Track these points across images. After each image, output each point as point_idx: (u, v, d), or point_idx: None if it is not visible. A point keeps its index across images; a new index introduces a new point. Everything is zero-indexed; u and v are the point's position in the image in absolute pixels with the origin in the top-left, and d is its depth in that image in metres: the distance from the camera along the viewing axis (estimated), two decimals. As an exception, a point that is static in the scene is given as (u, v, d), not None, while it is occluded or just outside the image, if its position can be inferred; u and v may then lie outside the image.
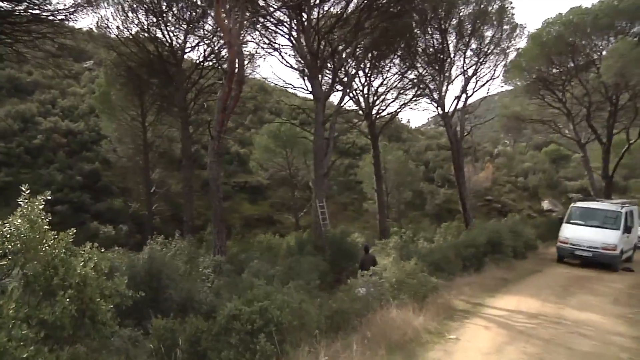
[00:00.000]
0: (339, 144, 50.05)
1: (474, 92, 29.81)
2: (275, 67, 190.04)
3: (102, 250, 11.95)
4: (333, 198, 43.93)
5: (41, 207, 4.88)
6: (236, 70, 17.28)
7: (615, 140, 32.96)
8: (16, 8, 22.67)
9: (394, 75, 31.06)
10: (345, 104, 27.61)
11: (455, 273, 14.84)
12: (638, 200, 25.25)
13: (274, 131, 36.59)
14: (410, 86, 31.83)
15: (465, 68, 29.15)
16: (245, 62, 28.45)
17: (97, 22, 27.28)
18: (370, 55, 29.20)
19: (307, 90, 24.22)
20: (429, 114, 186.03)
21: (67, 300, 4.56)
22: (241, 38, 19.72)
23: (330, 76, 25.06)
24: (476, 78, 29.44)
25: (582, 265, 18.82)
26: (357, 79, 30.77)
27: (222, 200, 18.41)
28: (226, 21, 17.47)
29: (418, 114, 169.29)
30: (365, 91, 31.89)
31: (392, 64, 30.71)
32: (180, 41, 27.92)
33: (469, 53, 29.16)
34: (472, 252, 16.25)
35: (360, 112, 32.57)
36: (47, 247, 4.79)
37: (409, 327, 8.50)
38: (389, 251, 23.81)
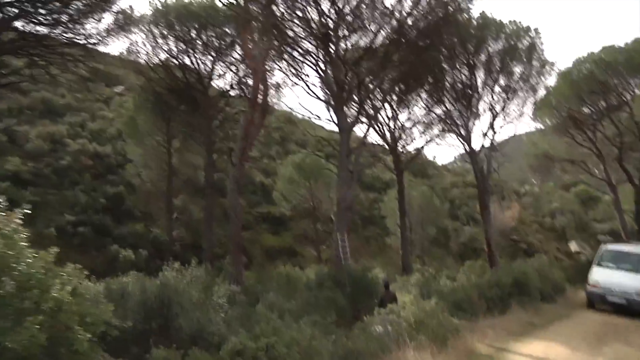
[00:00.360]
0: (364, 178, 49.59)
1: (501, 129, 29.17)
2: (302, 97, 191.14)
3: (118, 274, 11.53)
4: (356, 232, 43.17)
5: (19, 222, 4.36)
6: (260, 97, 17.00)
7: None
8: (52, 31, 22.96)
9: (421, 109, 30.69)
10: (369, 136, 27.08)
11: (479, 314, 14.03)
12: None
13: (299, 162, 36.23)
14: (436, 121, 31.38)
15: (493, 104, 28.57)
16: (271, 91, 28.54)
17: (128, 48, 27.52)
18: (397, 88, 28.87)
19: (333, 121, 23.84)
20: (455, 152, 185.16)
21: (37, 327, 4.01)
22: (267, 66, 19.51)
23: (356, 108, 24.62)
24: (504, 115, 28.82)
25: (616, 312, 17.70)
26: (383, 113, 30.45)
27: (241, 229, 17.91)
28: (252, 48, 17.26)
29: (444, 151, 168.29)
30: (391, 125, 31.50)
31: (419, 98, 30.31)
32: (208, 69, 28.00)
33: (497, 89, 28.62)
34: (497, 293, 15.41)
35: (386, 146, 32.03)
36: (24, 266, 4.26)
37: (427, 372, 7.78)
38: (409, 288, 23.11)
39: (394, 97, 30.22)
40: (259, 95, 16.71)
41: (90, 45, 24.20)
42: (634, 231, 32.01)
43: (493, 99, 28.57)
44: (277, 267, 29.80)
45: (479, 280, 18.04)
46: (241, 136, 17.32)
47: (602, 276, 18.28)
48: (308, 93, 24.12)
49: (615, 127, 30.07)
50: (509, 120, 29.06)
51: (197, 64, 27.37)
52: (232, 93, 28.88)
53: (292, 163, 37.00)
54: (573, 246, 47.48)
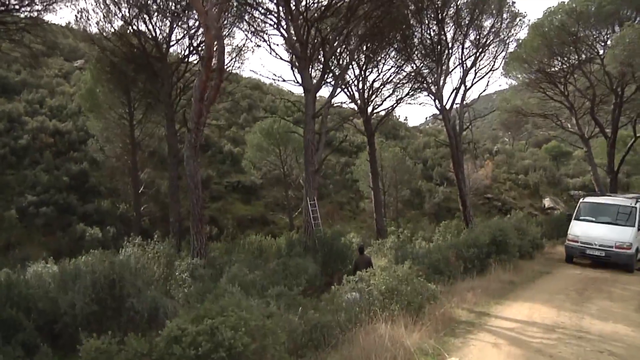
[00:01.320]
0: (335, 141, 48.38)
1: (472, 85, 28.10)
2: (266, 60, 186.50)
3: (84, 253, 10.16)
4: (329, 197, 42.21)
5: None
6: (214, 57, 15.55)
7: (619, 135, 31.26)
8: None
9: (390, 68, 29.43)
10: (337, 95, 25.84)
11: (457, 276, 13.08)
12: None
13: (267, 129, 34.80)
14: (406, 80, 30.22)
15: (463, 59, 27.42)
16: (232, 52, 26.98)
17: (77, 16, 25.62)
18: (364, 47, 27.55)
19: (298, 82, 22.53)
20: (427, 114, 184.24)
21: None
22: (221, 22, 17.99)
23: (321, 68, 23.26)
24: (475, 70, 27.73)
25: (594, 265, 17.02)
26: (351, 73, 29.18)
27: (202, 199, 16.64)
28: (204, 3, 15.72)
29: (416, 113, 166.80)
30: (360, 86, 30.28)
31: (387, 57, 29.05)
32: (165, 34, 26.25)
33: (467, 44, 27.49)
34: (475, 252, 14.43)
35: (356, 108, 30.79)
36: None
37: (400, 348, 6.73)
38: (385, 252, 22.17)
39: (362, 56, 28.91)
40: (213, 54, 15.22)
41: (34, 14, 22.46)
42: (606, 184, 31.49)
43: (463, 54, 27.43)
44: (248, 237, 28.79)
45: (456, 240, 17.08)
46: (196, 99, 15.86)
47: (581, 230, 17.56)
48: (271, 54, 22.86)
49: (587, 80, 29.15)
50: (481, 76, 27.98)
51: (154, 29, 25.55)
52: (192, 59, 27.21)
53: (260, 129, 35.55)
54: (546, 202, 47.13)
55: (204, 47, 19.18)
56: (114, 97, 29.43)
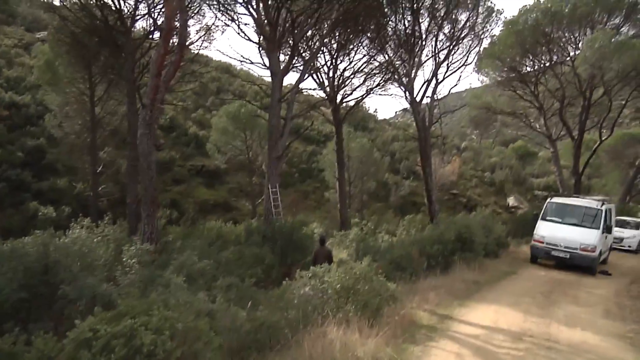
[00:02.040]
0: (302, 129, 47.38)
1: (444, 78, 27.33)
2: (235, 42, 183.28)
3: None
4: (294, 186, 41.32)
5: None
6: (175, 30, 14.43)
7: (584, 138, 31.13)
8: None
9: (362, 58, 28.58)
10: (305, 80, 24.77)
11: (419, 274, 12.29)
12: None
13: (233, 112, 33.56)
14: (378, 71, 29.39)
15: (436, 52, 26.65)
16: (200, 31, 25.69)
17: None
18: (337, 34, 26.60)
19: (265, 65, 21.48)
20: (397, 107, 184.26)
21: None
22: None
23: (290, 51, 22.22)
24: (447, 63, 26.99)
25: (558, 266, 16.50)
26: (322, 60, 28.23)
27: (154, 180, 15.51)
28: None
29: (386, 106, 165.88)
30: (330, 74, 29.32)
31: (360, 45, 28.14)
32: (130, 7, 24.77)
33: (441, 36, 26.72)
34: (439, 249, 13.68)
35: (325, 95, 29.84)
36: None
37: (352, 358, 5.82)
38: (347, 244, 21.36)
39: (334, 43, 27.98)
40: (173, 27, 14.10)
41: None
42: (570, 185, 31.33)
43: (437, 46, 26.67)
44: (208, 222, 27.72)
45: (420, 235, 16.34)
46: (153, 73, 14.71)
47: (547, 231, 17.01)
48: (239, 34, 21.64)
49: (558, 81, 28.81)
50: (453, 70, 27.26)
51: (118, 2, 24.06)
52: (157, 35, 25.76)
53: (227, 113, 34.27)
54: (511, 200, 47.07)
55: (163, 20, 17.92)
56: (74, 71, 27.80)
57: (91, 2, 24.72)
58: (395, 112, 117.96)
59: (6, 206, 28.85)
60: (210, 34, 26.45)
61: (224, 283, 11.31)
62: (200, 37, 26.09)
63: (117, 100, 29.87)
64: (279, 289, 8.92)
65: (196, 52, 26.43)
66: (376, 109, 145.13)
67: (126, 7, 24.72)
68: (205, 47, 26.45)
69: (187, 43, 24.71)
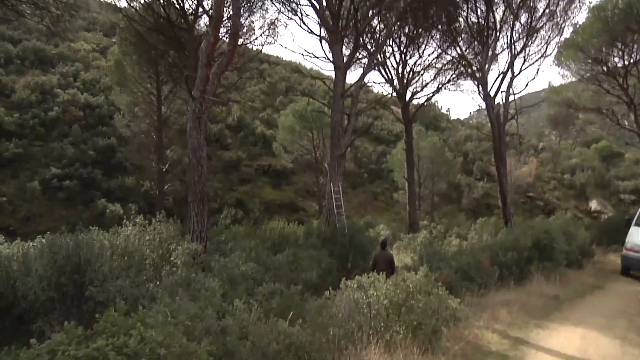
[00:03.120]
0: (374, 130, 45.91)
1: (521, 71, 25.01)
2: (299, 37, 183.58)
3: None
4: (363, 186, 39.97)
5: None
6: (224, 17, 13.43)
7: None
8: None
9: (433, 52, 26.93)
10: (370, 72, 23.24)
11: (490, 286, 10.60)
12: None
13: (300, 111, 32.54)
14: (449, 66, 27.61)
15: (512, 43, 24.44)
16: (263, 26, 24.80)
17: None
18: (406, 28, 25.12)
19: (328, 59, 20.24)
20: (472, 107, 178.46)
21: None
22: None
23: (353, 43, 20.87)
24: (524, 55, 24.72)
25: (655, 280, 14.25)
26: (391, 56, 26.82)
27: (205, 176, 14.56)
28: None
29: (460, 106, 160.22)
30: (400, 70, 27.81)
31: (430, 38, 26.43)
32: (192, 4, 24.24)
33: (517, 26, 24.48)
34: (514, 257, 11.90)
35: (394, 92, 28.33)
36: None
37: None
38: (415, 247, 19.75)
39: (402, 38, 26.51)
40: (222, 13, 13.13)
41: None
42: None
43: (512, 37, 24.45)
44: (271, 222, 26.85)
45: (492, 241, 14.52)
46: (203, 63, 13.78)
47: (642, 238, 14.70)
48: (301, 27, 20.58)
49: (652, 74, 25.83)
50: (530, 62, 25.00)
51: (181, -2, 23.57)
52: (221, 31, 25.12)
53: (293, 111, 33.30)
54: (593, 204, 43.55)
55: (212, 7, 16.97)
56: (141, 71, 27.74)
57: (156, 0, 24.44)
58: (470, 113, 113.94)
59: (77, 203, 29.21)
60: (274, 29, 25.57)
61: (267, 289, 10.11)
62: (264, 32, 25.15)
63: (183, 99, 29.58)
64: (319, 300, 7.59)
65: (260, 48, 25.44)
66: (449, 108, 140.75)
67: (188, 3, 24.25)
68: (270, 43, 25.62)
69: (243, 33, 24.08)
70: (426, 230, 25.93)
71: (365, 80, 22.66)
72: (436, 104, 57.71)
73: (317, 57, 23.77)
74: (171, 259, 13.63)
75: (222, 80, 30.07)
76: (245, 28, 25.25)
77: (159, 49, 25.76)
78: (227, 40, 14.28)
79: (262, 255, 14.50)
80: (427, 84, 28.79)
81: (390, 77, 27.83)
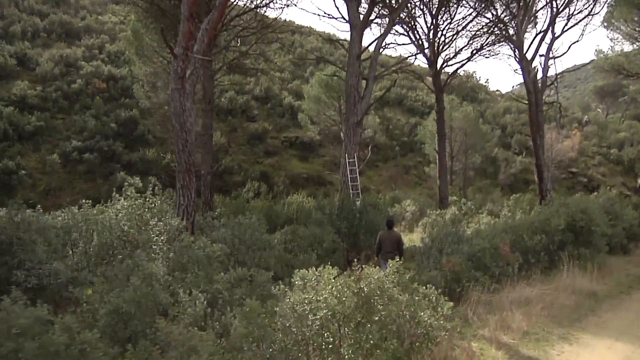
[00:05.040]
0: (407, 101, 43.17)
1: (562, 32, 22.05)
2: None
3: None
4: (394, 160, 37.55)
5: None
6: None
7: None
8: None
9: (467, 15, 24.37)
10: (392, 29, 20.75)
11: (508, 277, 8.35)
12: None
13: (326, 80, 30.25)
14: (485, 30, 24.96)
15: (553, 0, 21.48)
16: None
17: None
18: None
19: (344, 18, 17.98)
20: (514, 81, 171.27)
21: None
22: None
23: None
24: (568, 14, 21.76)
25: None
26: (422, 21, 24.46)
27: (191, 144, 12.69)
28: None
29: (502, 80, 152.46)
30: (431, 36, 25.35)
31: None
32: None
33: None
34: (541, 241, 9.55)
35: (424, 59, 25.94)
36: None
37: None
38: (443, 224, 17.49)
39: (433, 1, 24.09)
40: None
41: None
42: None
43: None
44: (290, 196, 25.04)
45: (517, 221, 12.08)
46: (184, 16, 11.87)
47: None
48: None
49: None
50: (574, 22, 21.99)
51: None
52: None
53: (319, 80, 31.08)
54: (643, 181, 39.83)
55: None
56: (159, 39, 25.98)
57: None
58: (512, 87, 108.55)
59: (97, 177, 28.03)
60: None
61: (238, 275, 8.28)
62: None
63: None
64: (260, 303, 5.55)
65: (279, 13, 23.37)
66: (487, 79, 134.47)
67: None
68: (288, 6, 23.48)
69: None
70: (456, 206, 23.64)
71: (392, 46, 20.19)
72: (474, 75, 54.17)
73: (336, 19, 21.33)
74: (152, 235, 11.95)
75: (249, 50, 28.30)
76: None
77: (172, 14, 24.00)
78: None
79: (257, 232, 12.57)
80: (461, 49, 26.46)
81: (420, 42, 25.47)
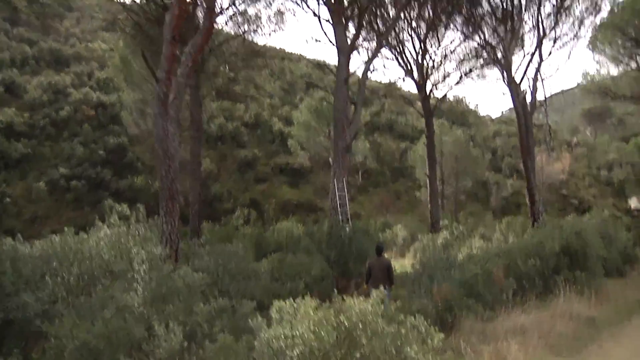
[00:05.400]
0: (395, 126, 43.07)
1: (549, 55, 22.11)
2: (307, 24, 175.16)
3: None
4: (385, 186, 37.28)
5: None
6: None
7: None
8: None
9: (453, 40, 24.45)
10: (379, 52, 20.61)
11: (502, 304, 7.94)
12: None
13: (316, 105, 30.12)
14: (473, 54, 24.96)
15: (540, 24, 21.50)
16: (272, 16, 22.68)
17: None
18: (425, 13, 22.69)
19: (331, 42, 17.81)
20: (504, 107, 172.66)
21: None
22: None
23: (361, 22, 18.34)
24: (554, 37, 21.77)
25: None
26: (410, 46, 24.43)
27: (174, 170, 12.29)
28: None
29: (491, 105, 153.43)
30: (419, 59, 25.27)
31: (452, 23, 23.88)
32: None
33: (546, 6, 21.58)
34: (535, 266, 9.17)
35: (413, 83, 25.84)
36: None
37: None
38: (433, 249, 17.13)
39: (422, 25, 24.13)
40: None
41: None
42: None
43: (540, 16, 21.52)
44: (278, 224, 24.63)
45: (510, 245, 11.71)
46: (166, 39, 11.58)
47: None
48: (299, 5, 18.23)
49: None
50: (561, 45, 22.00)
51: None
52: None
53: (309, 106, 30.94)
54: (633, 203, 39.60)
55: None
56: (147, 65, 25.72)
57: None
58: (502, 112, 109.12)
59: (84, 204, 27.55)
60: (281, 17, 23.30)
61: (216, 306, 7.80)
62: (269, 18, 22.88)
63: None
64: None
65: (268, 37, 23.26)
66: (477, 104, 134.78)
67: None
68: (275, 31, 23.40)
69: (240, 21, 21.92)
70: (447, 230, 23.27)
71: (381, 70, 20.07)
72: (464, 100, 54.35)
73: (319, 41, 21.15)
74: (134, 265, 11.48)
75: (239, 76, 28.09)
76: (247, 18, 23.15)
77: (160, 40, 23.80)
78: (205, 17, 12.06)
79: (243, 261, 12.12)
80: (449, 73, 26.34)
81: (409, 67, 25.38)
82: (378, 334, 3.99)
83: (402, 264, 17.08)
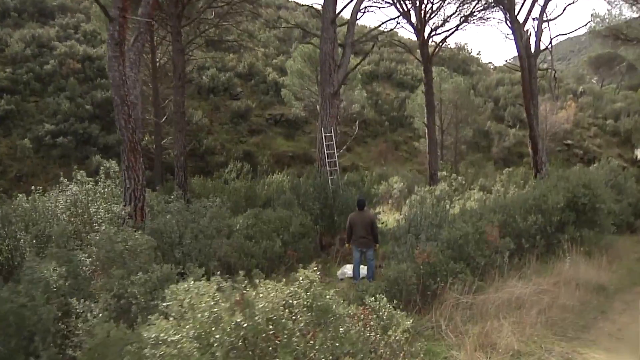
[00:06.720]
0: (395, 75, 41.17)
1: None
2: None
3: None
4: (384, 135, 35.80)
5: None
6: None
7: None
8: None
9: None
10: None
11: (496, 268, 6.66)
12: None
13: (309, 52, 28.33)
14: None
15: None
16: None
17: None
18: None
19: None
20: (510, 54, 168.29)
21: None
22: None
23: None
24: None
25: None
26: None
27: (136, 119, 10.96)
28: None
29: (496, 53, 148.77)
30: (417, 2, 23.44)
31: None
32: None
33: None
34: (537, 222, 7.82)
35: (410, 27, 24.07)
36: None
37: None
38: (431, 202, 15.83)
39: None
40: None
41: None
42: None
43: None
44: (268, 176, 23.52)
45: (507, 199, 10.30)
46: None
47: None
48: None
49: None
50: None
51: None
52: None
53: (302, 53, 29.13)
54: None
55: None
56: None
57: None
58: (506, 60, 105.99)
59: (71, 161, 26.24)
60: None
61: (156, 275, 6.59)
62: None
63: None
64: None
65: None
66: (479, 51, 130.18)
67: None
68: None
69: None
70: (446, 182, 22.01)
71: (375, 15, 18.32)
72: (466, 47, 51.98)
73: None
74: (94, 225, 10.30)
75: (232, 25, 26.26)
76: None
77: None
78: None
79: (219, 217, 10.88)
80: (450, 16, 24.48)
81: (405, 9, 23.54)
82: (294, 333, 2.68)
83: (397, 219, 15.90)
